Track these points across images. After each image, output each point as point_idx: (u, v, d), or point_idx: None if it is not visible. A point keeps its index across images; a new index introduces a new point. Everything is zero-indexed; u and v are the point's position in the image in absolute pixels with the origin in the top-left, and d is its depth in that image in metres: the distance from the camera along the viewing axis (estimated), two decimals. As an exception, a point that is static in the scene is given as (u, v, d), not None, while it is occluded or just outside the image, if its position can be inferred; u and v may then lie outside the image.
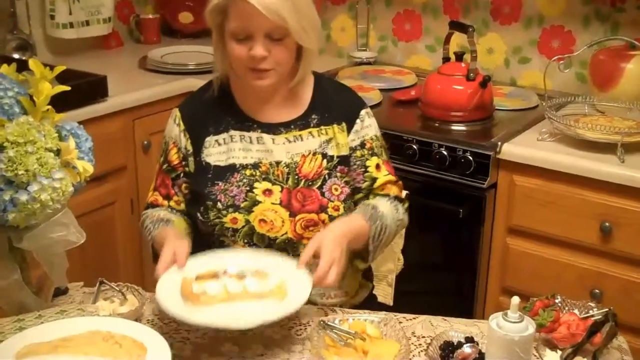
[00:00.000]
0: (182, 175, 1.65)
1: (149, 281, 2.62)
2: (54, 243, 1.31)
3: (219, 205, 1.57)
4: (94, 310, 1.38)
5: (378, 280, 2.42)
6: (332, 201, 1.60)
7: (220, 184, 1.58)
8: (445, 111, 2.36)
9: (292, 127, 1.63)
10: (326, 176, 1.61)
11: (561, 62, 2.29)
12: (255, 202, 1.57)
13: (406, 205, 1.73)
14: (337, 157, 1.63)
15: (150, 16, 3.20)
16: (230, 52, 1.55)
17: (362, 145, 1.66)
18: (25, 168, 1.22)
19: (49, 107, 1.33)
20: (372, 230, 1.57)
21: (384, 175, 1.68)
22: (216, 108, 1.64)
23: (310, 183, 1.60)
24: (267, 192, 1.58)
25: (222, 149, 1.61)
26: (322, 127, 1.64)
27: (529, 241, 2.22)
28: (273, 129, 1.62)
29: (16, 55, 2.64)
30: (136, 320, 1.40)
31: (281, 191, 1.58)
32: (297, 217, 1.58)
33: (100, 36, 2.98)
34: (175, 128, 1.65)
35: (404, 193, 1.75)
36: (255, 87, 1.58)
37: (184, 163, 1.64)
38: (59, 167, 1.27)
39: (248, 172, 1.59)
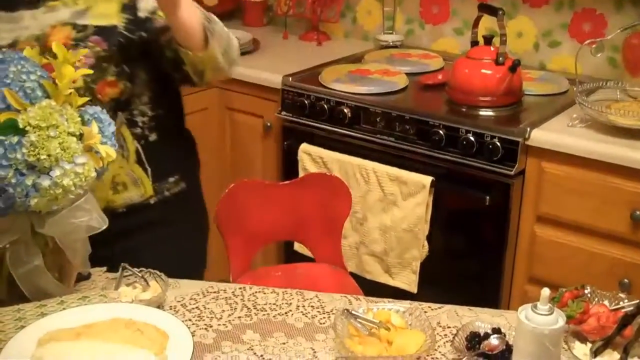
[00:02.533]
0: None
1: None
2: (76, 228, 1.30)
3: None
4: (116, 296, 1.37)
5: (402, 267, 2.40)
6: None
7: None
8: (473, 96, 2.32)
9: None
10: (71, 48, 1.44)
11: (593, 46, 2.24)
12: None
13: None
14: (95, 26, 1.53)
15: (175, -2, 3.18)
16: None
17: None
18: (47, 153, 1.21)
19: (72, 90, 1.31)
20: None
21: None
22: None
23: (53, 55, 1.46)
24: None
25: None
26: None
27: (557, 229, 2.18)
28: (34, 2, 1.53)
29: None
30: (158, 306, 1.39)
31: None
32: None
33: (124, 18, 2.96)
34: None
35: None
36: None
37: None
38: (82, 151, 1.26)
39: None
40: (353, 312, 1.36)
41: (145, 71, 1.60)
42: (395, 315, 1.36)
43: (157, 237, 1.66)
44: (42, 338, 1.21)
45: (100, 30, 1.53)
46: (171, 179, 1.68)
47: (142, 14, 1.56)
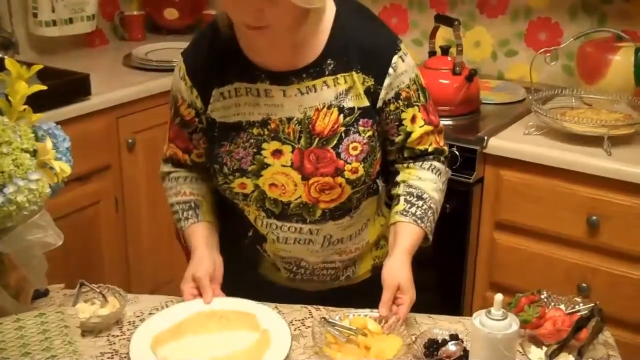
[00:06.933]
0: (198, 129, 1.51)
1: (135, 280, 2.62)
2: (31, 245, 1.29)
3: (225, 169, 1.45)
4: (74, 312, 1.36)
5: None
6: (349, 163, 1.42)
7: (225, 144, 1.45)
8: (431, 106, 2.34)
9: (305, 76, 1.42)
10: (342, 134, 1.42)
11: (548, 54, 2.28)
12: (264, 165, 1.43)
13: (446, 153, 1.57)
14: (359, 108, 1.43)
15: (135, 13, 3.18)
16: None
17: (397, 96, 1.46)
18: (0, 169, 1.20)
19: (26, 107, 1.30)
20: (428, 229, 1.54)
21: (419, 127, 1.49)
22: (219, 55, 1.45)
23: (324, 142, 1.42)
24: (277, 153, 1.43)
25: (227, 103, 1.45)
26: (340, 75, 1.42)
27: (516, 236, 2.21)
28: (283, 79, 1.42)
29: (-2, 54, 2.61)
30: (117, 322, 1.39)
31: (292, 152, 1.43)
32: (311, 181, 1.43)
33: (84, 34, 2.94)
34: (181, 84, 1.49)
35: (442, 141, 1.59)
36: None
37: (197, 120, 1.50)
38: (36, 168, 1.25)
39: (255, 130, 1.43)
40: (330, 320, 1.36)
41: None
42: (371, 322, 1.37)
43: None
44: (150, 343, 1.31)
45: (365, 112, 1.44)
46: None
47: (386, 97, 1.46)
